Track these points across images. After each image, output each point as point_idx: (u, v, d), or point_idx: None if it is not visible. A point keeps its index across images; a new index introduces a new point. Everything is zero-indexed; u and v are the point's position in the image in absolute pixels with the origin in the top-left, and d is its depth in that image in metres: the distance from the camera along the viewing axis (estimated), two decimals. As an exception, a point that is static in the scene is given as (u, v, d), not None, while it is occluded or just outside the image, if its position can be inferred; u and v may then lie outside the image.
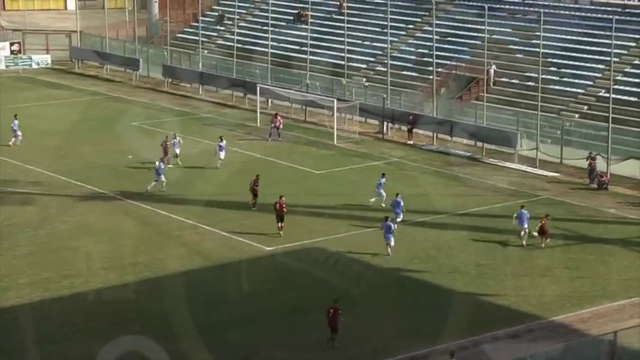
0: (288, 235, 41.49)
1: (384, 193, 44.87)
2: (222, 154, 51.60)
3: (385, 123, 60.30)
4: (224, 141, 52.43)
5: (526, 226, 40.70)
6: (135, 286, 36.38)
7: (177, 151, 52.45)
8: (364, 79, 67.44)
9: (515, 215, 41.15)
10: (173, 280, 36.96)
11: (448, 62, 65.58)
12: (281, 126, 57.87)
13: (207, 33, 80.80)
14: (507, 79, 63.33)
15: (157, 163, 47.89)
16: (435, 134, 58.49)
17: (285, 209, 41.76)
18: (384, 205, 44.20)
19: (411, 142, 58.14)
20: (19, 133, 55.63)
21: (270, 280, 37.34)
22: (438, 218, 44.16)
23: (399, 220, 41.91)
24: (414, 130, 58.80)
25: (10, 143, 55.31)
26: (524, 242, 40.47)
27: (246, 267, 38.54)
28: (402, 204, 42.71)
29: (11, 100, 68.32)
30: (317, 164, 53.02)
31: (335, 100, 59.99)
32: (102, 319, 33.36)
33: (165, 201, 46.00)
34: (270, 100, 66.40)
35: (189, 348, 31.26)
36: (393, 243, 39.26)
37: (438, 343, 31.28)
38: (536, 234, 40.52)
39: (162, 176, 47.43)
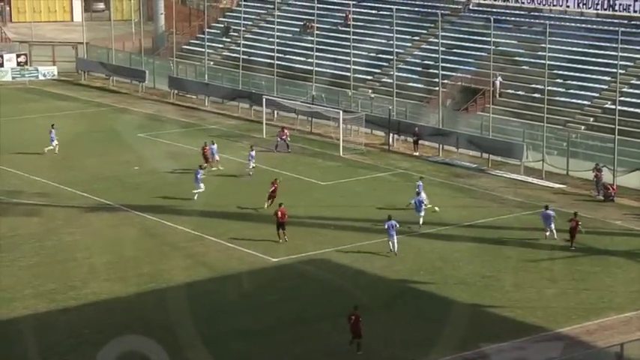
0: (294, 247, 41.48)
1: (424, 196, 45.39)
2: (252, 164, 52.33)
3: (391, 134, 60.31)
4: (254, 150, 53.11)
5: (552, 226, 41.78)
6: (140, 297, 36.35)
7: (217, 157, 53.31)
8: (370, 91, 67.46)
9: (541, 216, 42.61)
10: (178, 291, 36.93)
11: (454, 74, 65.59)
12: (288, 138, 57.92)
13: (213, 45, 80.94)
14: (513, 91, 63.32)
15: (197, 170, 48.29)
16: (440, 146, 58.46)
17: (286, 217, 41.77)
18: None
19: (417, 154, 58.13)
20: (55, 142, 56.23)
21: (275, 291, 37.28)
22: (444, 230, 44.10)
23: (421, 222, 43.86)
24: (420, 142, 58.80)
25: (46, 150, 56.01)
26: (550, 239, 41.79)
27: (252, 278, 38.49)
28: (424, 202, 44.56)
29: (18, 112, 68.55)
30: (323, 175, 53.00)
31: (341, 112, 60.01)
32: (107, 330, 33.29)
33: (170, 212, 46.01)
34: (275, 112, 66.47)
35: (195, 359, 31.20)
36: (396, 240, 40.10)
37: (443, 355, 31.19)
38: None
39: (202, 184, 47.66)
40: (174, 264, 39.74)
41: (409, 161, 56.77)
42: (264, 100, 63.71)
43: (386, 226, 40.44)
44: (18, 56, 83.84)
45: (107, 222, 44.95)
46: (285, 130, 58.52)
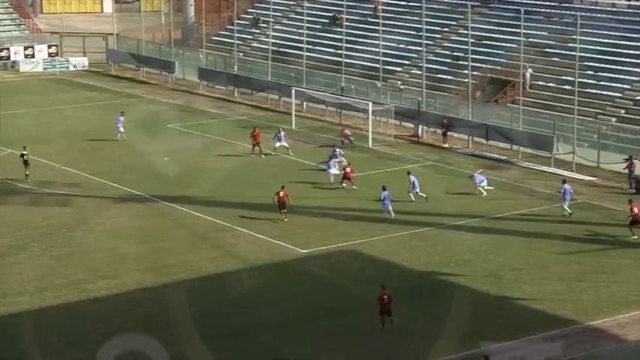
0: (323, 238, 41.52)
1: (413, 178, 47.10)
2: (279, 144, 53.96)
3: (420, 126, 60.17)
4: (282, 132, 54.67)
5: (568, 198, 44.38)
6: (170, 287, 36.52)
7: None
8: (399, 82, 67.30)
9: (561, 191, 44.67)
10: (207, 282, 37.10)
11: (484, 65, 65.32)
12: (351, 137, 57.57)
13: (243, 36, 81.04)
14: (543, 83, 62.97)
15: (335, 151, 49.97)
16: (470, 137, 58.27)
17: (287, 198, 43.12)
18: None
19: (446, 146, 57.97)
20: (122, 129, 57.25)
21: (304, 282, 37.34)
22: (474, 222, 43.97)
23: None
24: (449, 134, 58.64)
25: (118, 137, 57.05)
26: (565, 213, 44.06)
27: (281, 269, 38.56)
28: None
29: (49, 102, 68.98)
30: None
31: (370, 104, 59.92)
32: (137, 320, 33.51)
33: (200, 203, 46.17)
34: (305, 103, 66.49)
35: (223, 349, 31.34)
36: (391, 209, 43.36)
37: (472, 348, 31.12)
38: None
39: (333, 169, 49.13)
40: (204, 255, 39.88)
41: (438, 153, 56.62)
42: (293, 91, 63.73)
43: (382, 197, 43.28)
44: (49, 47, 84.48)
45: (137, 212, 45.17)
46: (346, 130, 58.36)
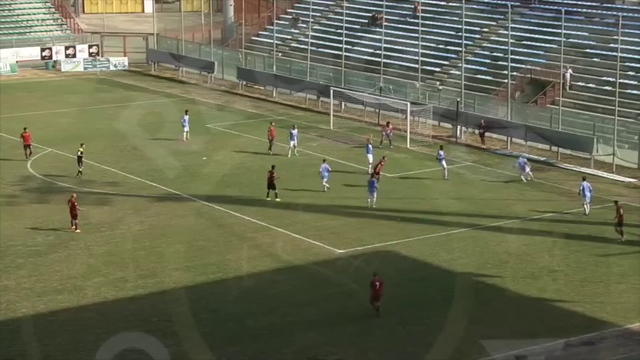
0: (360, 238, 41.53)
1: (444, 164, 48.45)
2: (293, 143, 54.13)
3: (459, 127, 59.96)
4: (296, 129, 55.04)
5: (588, 195, 44.26)
6: (207, 286, 36.71)
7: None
8: (438, 83, 67.12)
9: (579, 190, 44.77)
10: (245, 281, 37.23)
11: (523, 66, 64.93)
12: (391, 133, 57.61)
13: (282, 36, 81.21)
14: (584, 84, 62.49)
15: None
16: (509, 138, 57.98)
17: (274, 177, 45.80)
18: None
19: (484, 147, 57.72)
20: (187, 128, 57.69)
21: (340, 282, 37.33)
22: (512, 223, 43.75)
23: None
24: (488, 134, 58.38)
25: (184, 139, 57.37)
26: (586, 212, 44.33)
27: (317, 269, 38.61)
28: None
29: (90, 102, 69.54)
30: (390, 167, 52.79)
31: (408, 104, 59.83)
32: (175, 319, 33.70)
33: (237, 202, 46.34)
34: (343, 103, 66.50)
35: (260, 349, 31.44)
36: (375, 198, 44.74)
37: (509, 349, 30.96)
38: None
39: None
40: (241, 254, 40.05)
41: (476, 154, 56.40)
42: (331, 91, 63.78)
43: (367, 183, 45.36)
44: (90, 47, 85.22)
45: (175, 212, 45.44)
46: (390, 125, 58.36)
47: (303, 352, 31.38)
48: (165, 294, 36.00)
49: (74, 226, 42.18)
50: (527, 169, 50.11)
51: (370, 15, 78.09)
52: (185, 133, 57.82)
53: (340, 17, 74.03)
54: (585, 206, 44.68)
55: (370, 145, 51.88)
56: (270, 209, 45.33)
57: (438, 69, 69.60)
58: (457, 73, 65.64)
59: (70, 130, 60.26)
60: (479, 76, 66.52)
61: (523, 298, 35.67)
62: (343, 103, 66.55)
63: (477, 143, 58.33)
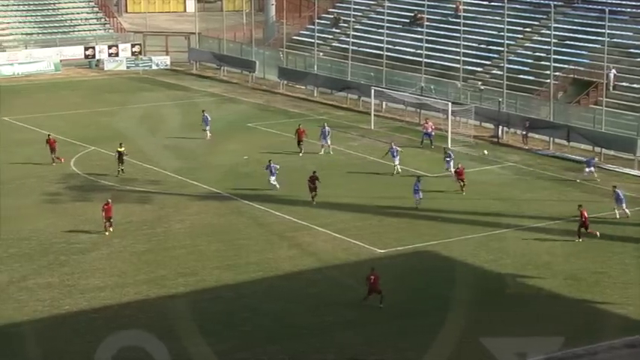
0: (401, 238, 41.46)
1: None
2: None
3: (500, 127, 59.64)
4: (327, 127, 55.42)
5: (624, 205, 43.78)
6: (248, 285, 36.82)
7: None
8: (479, 83, 66.79)
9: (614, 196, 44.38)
10: (285, 281, 37.30)
11: (566, 66, 64.44)
12: (433, 132, 57.43)
13: (323, 35, 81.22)
14: (628, 84, 61.88)
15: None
16: (551, 139, 57.57)
17: (317, 181, 45.49)
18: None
19: (527, 147, 57.36)
20: (208, 127, 58.38)
21: (381, 282, 37.23)
22: (554, 224, 43.44)
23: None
24: (530, 135, 58.01)
25: (209, 136, 57.95)
26: (617, 215, 43.88)
27: (358, 269, 38.55)
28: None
29: (132, 101, 70.00)
30: (431, 167, 52.74)
31: (450, 104, 59.61)
32: (216, 317, 33.84)
33: (278, 201, 46.43)
34: (384, 103, 66.40)
35: (299, 349, 31.48)
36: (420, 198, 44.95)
37: (552, 351, 30.74)
38: None
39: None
40: (281, 253, 40.12)
41: (518, 154, 56.07)
42: (372, 91, 63.71)
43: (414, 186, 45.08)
44: (132, 46, 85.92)
45: (216, 210, 45.62)
46: (429, 122, 58.16)
47: (342, 352, 31.37)
48: (205, 292, 36.16)
49: (109, 228, 42.09)
50: (592, 168, 49.89)
51: (411, 15, 77.90)
52: (206, 132, 58.15)
53: (381, 17, 73.90)
54: (624, 210, 44.20)
55: (395, 149, 51.36)
56: (310, 208, 45.37)
57: (479, 69, 69.27)
58: (499, 72, 65.26)
59: (112, 129, 60.67)
60: (521, 76, 66.10)
61: (564, 299, 35.41)
62: (384, 103, 66.44)
63: (519, 144, 57.97)
